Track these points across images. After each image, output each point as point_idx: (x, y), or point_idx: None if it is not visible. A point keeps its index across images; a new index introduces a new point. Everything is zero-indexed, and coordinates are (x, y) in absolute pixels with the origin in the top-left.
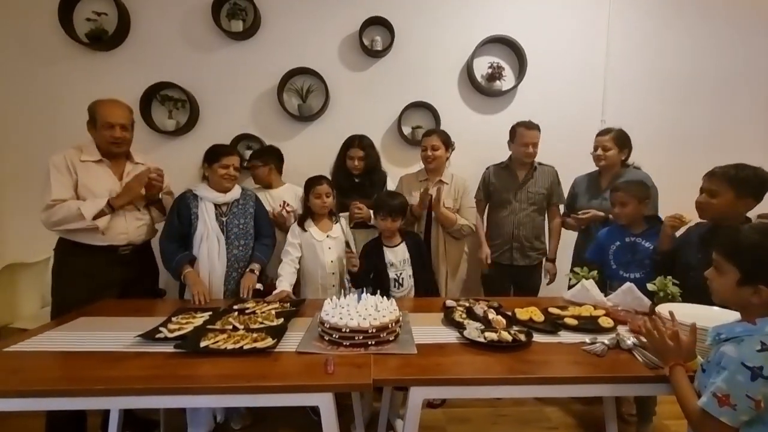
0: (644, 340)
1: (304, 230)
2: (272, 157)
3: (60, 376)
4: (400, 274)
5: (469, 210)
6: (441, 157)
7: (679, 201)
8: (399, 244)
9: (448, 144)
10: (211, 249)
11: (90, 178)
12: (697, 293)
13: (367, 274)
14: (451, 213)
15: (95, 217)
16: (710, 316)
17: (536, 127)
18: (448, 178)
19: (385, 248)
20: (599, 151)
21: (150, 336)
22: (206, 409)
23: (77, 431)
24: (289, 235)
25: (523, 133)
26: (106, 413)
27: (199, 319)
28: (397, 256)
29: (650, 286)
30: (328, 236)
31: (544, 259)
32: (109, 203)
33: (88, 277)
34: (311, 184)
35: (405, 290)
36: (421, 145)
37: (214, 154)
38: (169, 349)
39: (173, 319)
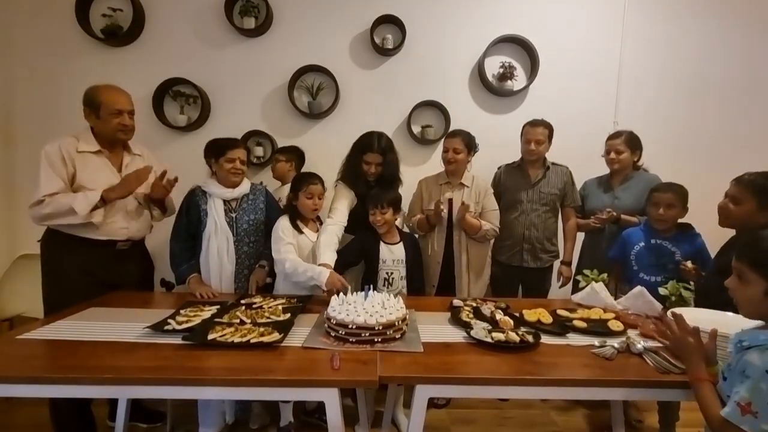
0: (660, 343)
1: (300, 231)
2: (295, 155)
3: (70, 364)
4: (391, 273)
5: (492, 213)
6: (462, 160)
7: (692, 204)
8: (397, 243)
9: (471, 147)
10: (220, 246)
11: (89, 170)
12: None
13: (351, 265)
14: (475, 219)
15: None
16: (725, 322)
17: (541, 124)
18: (469, 181)
19: (381, 244)
20: (612, 155)
21: (158, 327)
22: (216, 409)
23: (82, 419)
24: (282, 233)
25: (527, 131)
26: (113, 404)
27: (207, 312)
28: (393, 255)
29: (662, 291)
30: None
31: (558, 262)
32: (102, 197)
33: (85, 273)
34: (304, 181)
35: (395, 290)
36: (443, 145)
37: (218, 148)
38: (176, 341)
39: (181, 311)
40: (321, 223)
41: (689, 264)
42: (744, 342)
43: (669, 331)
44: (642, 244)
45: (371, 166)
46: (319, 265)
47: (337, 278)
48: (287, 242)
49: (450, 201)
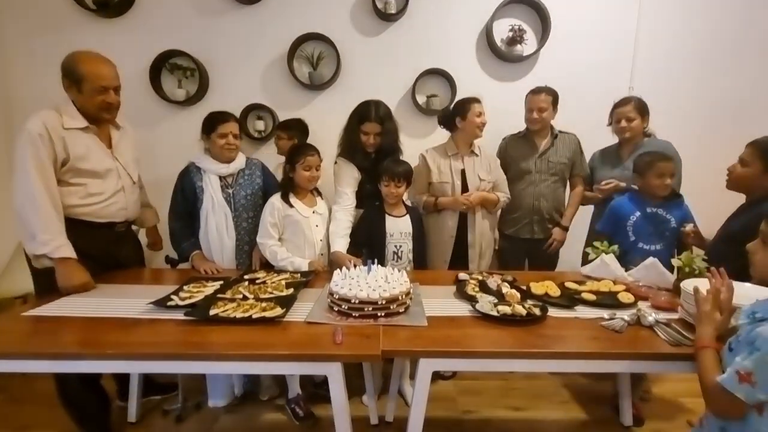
0: (671, 315)
1: (290, 206)
2: (296, 130)
3: (75, 339)
4: (400, 246)
5: (504, 182)
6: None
7: (707, 172)
8: (403, 215)
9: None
10: (218, 223)
11: (81, 150)
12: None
13: (360, 246)
14: (491, 194)
15: (38, 255)
16: (742, 293)
17: (544, 91)
18: (478, 149)
19: (387, 217)
20: (623, 123)
21: (162, 303)
22: (224, 381)
23: (91, 393)
24: (268, 213)
25: (529, 99)
26: (121, 383)
27: (210, 288)
28: (399, 228)
29: (675, 262)
30: (314, 212)
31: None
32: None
33: (88, 257)
34: (300, 153)
35: (403, 264)
36: (469, 113)
37: (210, 123)
38: (180, 316)
39: (185, 287)
40: (320, 195)
41: (689, 227)
42: (758, 314)
43: (704, 295)
44: (638, 213)
45: (370, 137)
46: (332, 252)
47: (345, 256)
48: (272, 223)
49: (462, 171)
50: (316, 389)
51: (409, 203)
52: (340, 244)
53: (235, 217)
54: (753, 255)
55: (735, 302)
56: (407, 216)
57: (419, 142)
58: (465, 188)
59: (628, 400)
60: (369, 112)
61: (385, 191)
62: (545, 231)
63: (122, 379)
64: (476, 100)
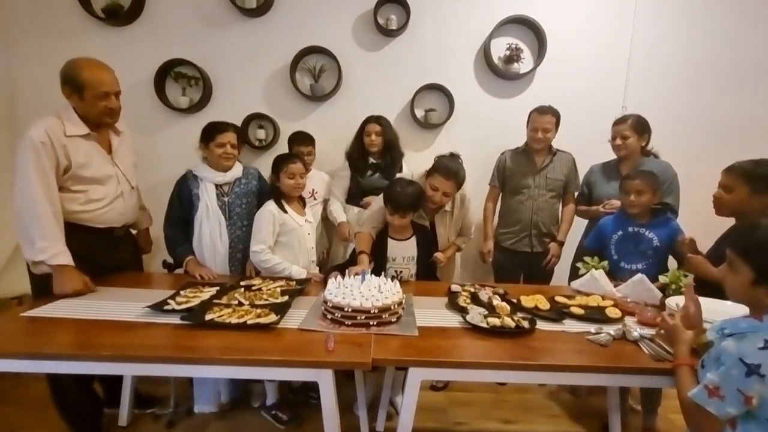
0: (656, 331)
1: (285, 212)
2: (312, 141)
3: (70, 341)
4: (400, 272)
5: (466, 223)
6: (450, 199)
7: (702, 192)
8: (408, 238)
9: (461, 184)
10: (212, 230)
11: (83, 157)
12: None
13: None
14: (449, 251)
15: (36, 261)
16: (723, 311)
17: (549, 112)
18: (449, 204)
19: (390, 241)
20: (618, 141)
21: (158, 307)
22: (211, 387)
23: (85, 396)
24: (267, 220)
25: (534, 118)
26: (108, 388)
27: (207, 293)
28: (403, 252)
29: (662, 279)
30: (306, 221)
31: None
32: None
33: (87, 261)
34: (283, 162)
35: None
36: (428, 182)
37: (208, 132)
38: (176, 320)
39: (182, 292)
40: (305, 205)
41: (687, 237)
42: (726, 330)
43: (667, 318)
44: (620, 232)
45: (371, 135)
46: (359, 253)
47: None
48: (270, 230)
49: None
50: (293, 395)
51: (422, 221)
52: (345, 217)
53: (230, 225)
54: (723, 279)
55: (708, 318)
56: (413, 238)
57: (417, 155)
58: (436, 243)
59: (617, 415)
60: (371, 118)
61: (389, 219)
62: (543, 245)
63: (110, 387)
64: (432, 172)
